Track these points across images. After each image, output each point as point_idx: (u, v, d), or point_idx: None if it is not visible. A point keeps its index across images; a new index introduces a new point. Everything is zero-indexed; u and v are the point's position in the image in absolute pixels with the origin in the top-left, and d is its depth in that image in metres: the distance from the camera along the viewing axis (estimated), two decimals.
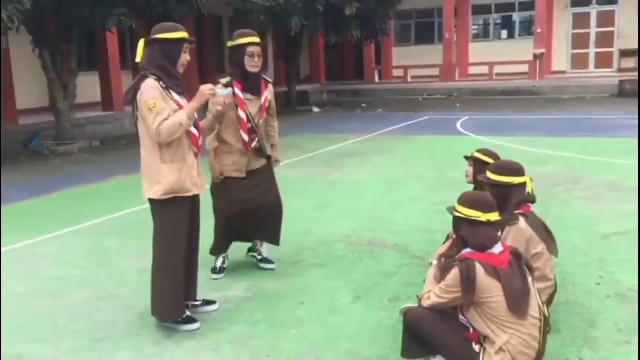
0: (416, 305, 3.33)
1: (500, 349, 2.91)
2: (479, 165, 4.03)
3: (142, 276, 4.82)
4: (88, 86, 15.52)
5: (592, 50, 24.73)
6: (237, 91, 4.35)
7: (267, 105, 4.60)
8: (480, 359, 2.95)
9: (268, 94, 4.59)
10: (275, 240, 4.80)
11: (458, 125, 14.02)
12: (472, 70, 25.43)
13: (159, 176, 3.64)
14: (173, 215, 3.71)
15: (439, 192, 7.27)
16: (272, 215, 4.69)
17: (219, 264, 4.75)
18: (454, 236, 3.29)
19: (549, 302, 3.64)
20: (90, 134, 13.74)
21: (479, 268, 2.92)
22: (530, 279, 3.04)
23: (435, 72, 24.65)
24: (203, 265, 4.73)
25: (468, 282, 2.91)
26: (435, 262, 3.34)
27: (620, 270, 4.51)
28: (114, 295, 4.49)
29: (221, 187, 4.51)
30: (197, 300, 4.09)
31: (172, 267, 3.74)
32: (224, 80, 4.39)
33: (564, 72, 24.62)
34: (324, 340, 3.62)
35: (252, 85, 4.43)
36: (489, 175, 3.69)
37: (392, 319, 3.82)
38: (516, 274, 2.97)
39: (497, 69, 23.52)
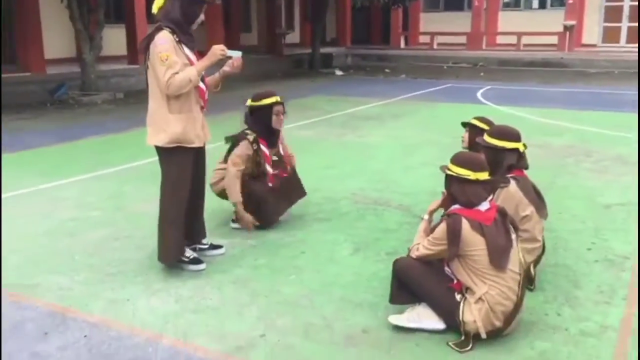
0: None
1: (480, 298, 3.11)
2: (475, 132, 4.20)
3: (156, 220, 5.09)
4: (114, 39, 15.73)
5: (625, 24, 24.16)
6: (263, 148, 4.79)
7: (282, 150, 5.07)
8: (460, 308, 3.15)
9: (281, 143, 5.06)
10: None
11: (478, 94, 13.99)
12: (500, 39, 25.09)
13: (165, 125, 3.79)
14: (176, 163, 3.88)
15: (449, 157, 7.38)
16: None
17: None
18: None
19: (535, 262, 3.82)
20: (114, 86, 14.01)
21: (465, 223, 3.11)
22: (513, 236, 3.22)
23: (463, 39, 24.40)
24: (215, 212, 5.00)
25: (454, 235, 3.10)
26: (426, 217, 3.52)
27: (613, 238, 4.65)
28: (128, 237, 4.76)
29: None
30: (204, 244, 4.34)
31: (174, 211, 3.95)
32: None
33: (593, 46, 24.15)
34: (319, 286, 3.85)
35: (275, 140, 4.92)
36: (485, 138, 3.84)
37: (387, 271, 3.99)
38: (500, 230, 3.15)
39: (526, 40, 23.19)
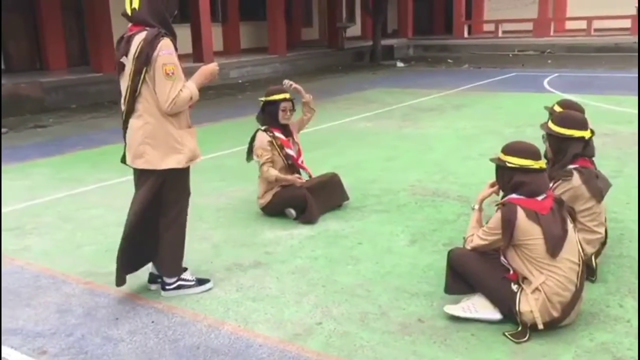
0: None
1: (537, 288, 3.08)
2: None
3: (218, 212, 5.29)
4: (181, 38, 16.16)
5: None
6: (278, 134, 5.03)
7: (300, 144, 5.27)
8: (517, 298, 3.14)
9: (296, 135, 5.24)
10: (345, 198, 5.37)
11: (545, 82, 13.61)
12: (569, 25, 24.25)
13: (178, 143, 3.46)
14: (185, 182, 3.66)
15: None
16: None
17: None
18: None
19: (597, 253, 3.74)
20: None
21: (520, 212, 3.08)
22: (570, 226, 3.17)
23: (529, 26, 23.68)
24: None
25: (508, 224, 3.08)
26: (476, 207, 3.50)
27: None
28: (192, 228, 4.93)
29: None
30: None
31: (183, 228, 3.77)
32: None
33: None
34: (376, 276, 3.91)
35: (286, 131, 5.12)
36: (550, 125, 3.77)
37: (443, 262, 3.96)
38: (557, 219, 3.11)
39: (596, 24, 22.32)
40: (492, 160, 3.36)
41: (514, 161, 3.19)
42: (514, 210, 3.10)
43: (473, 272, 3.29)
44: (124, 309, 3.60)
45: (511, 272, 3.23)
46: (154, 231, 3.65)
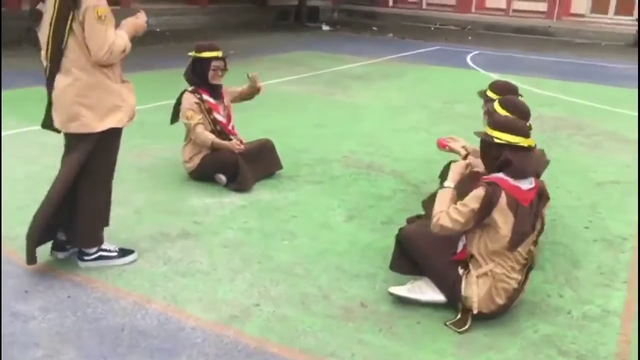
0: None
1: (485, 273, 2.98)
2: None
3: (140, 174, 4.89)
4: None
5: None
6: (206, 97, 4.64)
7: (231, 107, 4.91)
8: (462, 282, 3.03)
9: (227, 99, 4.87)
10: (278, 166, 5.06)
11: (468, 58, 13.79)
12: (489, 3, 24.71)
13: (117, 100, 3.10)
14: (118, 142, 3.28)
15: (440, 123, 7.25)
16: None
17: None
18: (467, 159, 3.30)
19: (535, 242, 3.71)
20: None
21: (503, 197, 2.88)
22: (538, 225, 3.07)
23: (452, 1, 23.97)
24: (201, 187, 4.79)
25: (489, 205, 2.86)
26: (451, 185, 3.14)
27: (610, 218, 4.58)
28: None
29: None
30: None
31: (109, 194, 3.42)
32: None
33: (582, 15, 23.90)
34: (314, 253, 3.71)
35: (217, 94, 4.73)
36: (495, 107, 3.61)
37: (382, 241, 3.90)
38: (531, 214, 2.96)
39: (515, 5, 22.91)
40: (477, 134, 3.09)
41: (502, 137, 2.94)
42: (498, 193, 2.88)
43: (422, 252, 3.13)
44: (35, 281, 3.20)
45: (459, 249, 3.09)
46: (72, 196, 3.24)
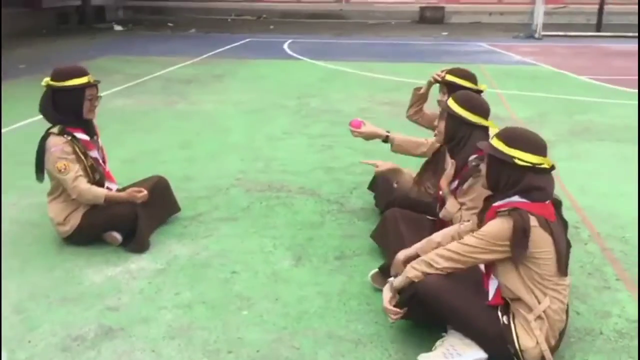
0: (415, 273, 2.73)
1: (539, 316, 2.48)
2: (455, 91, 3.37)
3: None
4: None
5: None
6: (79, 135, 3.50)
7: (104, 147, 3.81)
8: (512, 332, 2.49)
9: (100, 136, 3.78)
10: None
11: (285, 47, 13.40)
12: None
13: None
14: None
15: (310, 124, 6.69)
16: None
17: None
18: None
19: None
20: None
21: (533, 220, 2.39)
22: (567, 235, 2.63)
23: None
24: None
25: (524, 234, 2.36)
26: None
27: None
28: None
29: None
30: None
31: None
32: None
33: None
34: (290, 323, 2.88)
35: (90, 129, 3.61)
36: (457, 110, 3.10)
37: (354, 285, 3.22)
38: (561, 227, 2.52)
39: None
40: (488, 151, 2.50)
41: (526, 158, 2.42)
42: (526, 217, 2.38)
43: (450, 305, 2.53)
44: None
45: (491, 295, 2.57)
46: None
